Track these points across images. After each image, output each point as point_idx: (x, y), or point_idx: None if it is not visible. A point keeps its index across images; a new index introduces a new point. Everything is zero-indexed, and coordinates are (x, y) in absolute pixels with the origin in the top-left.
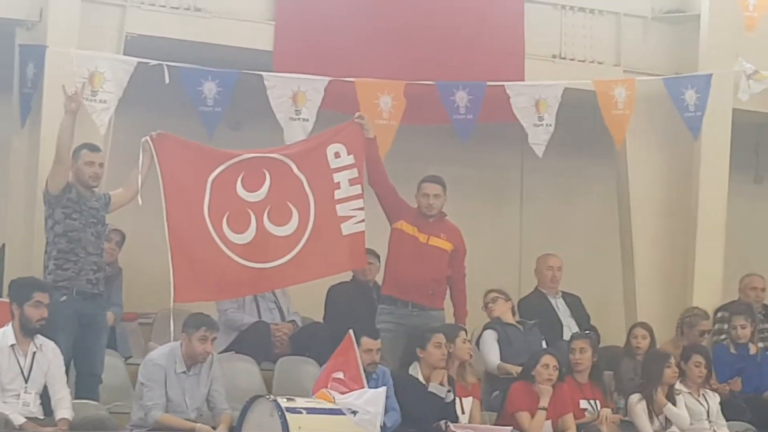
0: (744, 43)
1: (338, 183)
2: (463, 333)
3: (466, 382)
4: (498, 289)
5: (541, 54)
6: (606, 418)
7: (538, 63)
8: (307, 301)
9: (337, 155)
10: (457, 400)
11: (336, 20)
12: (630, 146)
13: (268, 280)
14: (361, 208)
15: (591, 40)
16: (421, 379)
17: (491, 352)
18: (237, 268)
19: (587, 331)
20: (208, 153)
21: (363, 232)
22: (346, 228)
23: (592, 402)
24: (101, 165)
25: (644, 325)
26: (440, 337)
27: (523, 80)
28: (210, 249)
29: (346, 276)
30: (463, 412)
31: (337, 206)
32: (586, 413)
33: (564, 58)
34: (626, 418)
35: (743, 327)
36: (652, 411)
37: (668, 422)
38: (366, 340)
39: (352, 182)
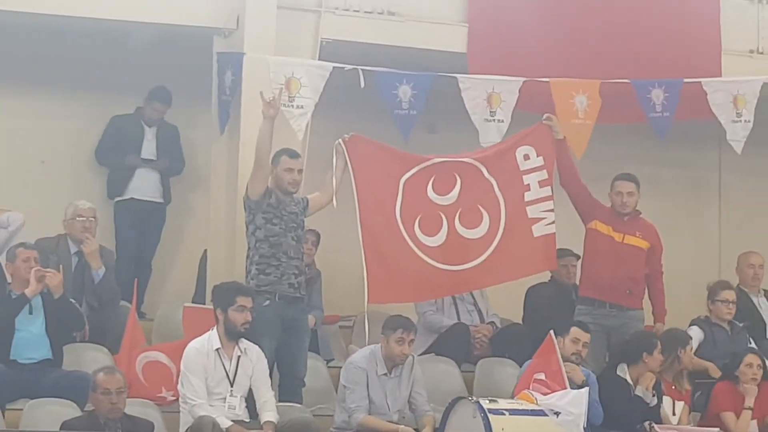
0: None
1: (528, 185)
2: (691, 342)
3: (682, 387)
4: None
5: (738, 49)
6: None
7: (735, 58)
8: (505, 303)
9: (526, 157)
10: (670, 402)
11: (528, 20)
12: None
13: (460, 283)
14: (551, 210)
15: None
16: (628, 380)
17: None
18: (429, 270)
19: None
20: (400, 156)
21: (554, 233)
22: (537, 230)
23: None
24: (300, 171)
25: None
26: (656, 346)
27: (720, 76)
28: (403, 251)
29: (545, 277)
30: (674, 414)
31: (528, 208)
32: None
33: (762, 53)
34: None
35: None
36: None
37: None
38: (576, 330)
39: (541, 184)
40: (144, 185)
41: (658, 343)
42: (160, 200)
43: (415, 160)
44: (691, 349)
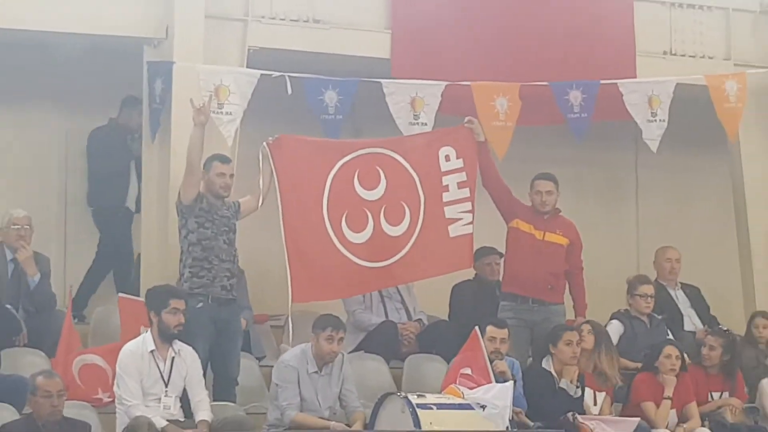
0: None
1: (447, 186)
2: (587, 326)
3: (605, 382)
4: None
5: (652, 51)
6: (732, 405)
7: (649, 60)
8: (432, 300)
9: (447, 158)
10: (591, 393)
11: (450, 25)
12: (744, 140)
13: (381, 278)
14: (470, 211)
15: (701, 36)
16: (553, 372)
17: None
18: (352, 268)
19: (726, 330)
20: (326, 146)
21: (471, 234)
22: (454, 230)
23: (722, 394)
24: (231, 176)
25: (765, 315)
26: (571, 335)
27: (635, 77)
28: (327, 249)
29: (469, 274)
30: (595, 404)
31: (445, 208)
32: (711, 402)
33: (675, 54)
34: (752, 405)
35: None
36: None
37: None
38: (491, 329)
39: (460, 185)
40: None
41: (563, 334)
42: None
43: (341, 148)
44: (590, 331)
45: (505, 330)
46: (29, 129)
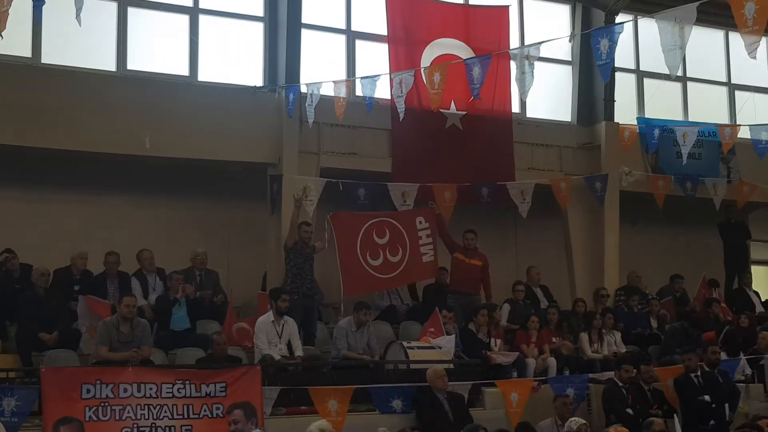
0: None
1: (420, 236)
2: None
3: (499, 331)
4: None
5: (521, 167)
6: (565, 346)
7: (520, 172)
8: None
9: (420, 222)
10: (494, 340)
11: (422, 156)
12: (570, 215)
13: (386, 284)
14: (432, 249)
15: (546, 160)
16: (474, 330)
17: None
18: (373, 278)
19: (555, 303)
20: (359, 216)
21: (433, 260)
22: (425, 258)
23: (558, 339)
24: (311, 232)
25: (581, 300)
26: (483, 312)
27: (515, 180)
28: (359, 269)
29: (432, 281)
30: (495, 345)
31: (420, 248)
32: (555, 343)
33: (534, 169)
34: (576, 347)
35: None
36: (592, 340)
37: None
38: (444, 312)
39: (427, 236)
40: None
41: (479, 311)
42: None
43: (367, 218)
44: (500, 316)
45: (452, 312)
46: None
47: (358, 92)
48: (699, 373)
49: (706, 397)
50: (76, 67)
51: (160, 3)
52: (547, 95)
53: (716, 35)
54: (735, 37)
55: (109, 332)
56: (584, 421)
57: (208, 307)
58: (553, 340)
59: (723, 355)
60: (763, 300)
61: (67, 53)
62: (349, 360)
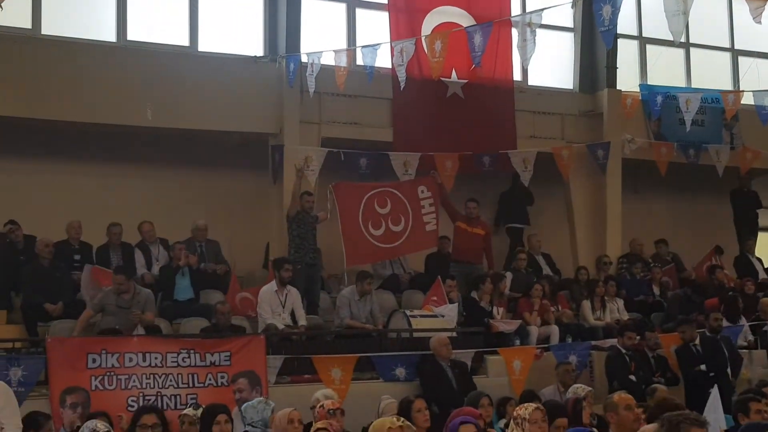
0: None
1: (423, 205)
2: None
3: (502, 300)
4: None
5: (523, 134)
6: (566, 314)
7: (522, 140)
8: (416, 262)
9: (422, 192)
10: (496, 308)
11: (423, 124)
12: (572, 181)
13: (388, 253)
14: (435, 219)
15: (550, 127)
16: (477, 299)
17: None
18: (375, 247)
19: (557, 272)
20: (361, 187)
21: (435, 230)
22: (428, 227)
23: (556, 308)
24: (313, 201)
25: (585, 267)
26: (489, 280)
27: (516, 149)
28: (362, 238)
29: (434, 249)
30: (498, 314)
31: (423, 217)
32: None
33: (536, 137)
34: (576, 314)
35: None
36: (594, 307)
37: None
38: (448, 281)
39: (430, 205)
40: None
41: (485, 281)
42: None
43: (368, 188)
44: (505, 286)
45: (455, 281)
46: None
47: (359, 61)
48: (697, 341)
49: (702, 367)
50: (77, 38)
51: None
52: (548, 63)
53: (719, 0)
54: (738, 2)
55: (108, 298)
56: (590, 388)
57: (211, 278)
58: (557, 308)
59: (724, 322)
60: (766, 267)
61: (67, 24)
62: (352, 329)
